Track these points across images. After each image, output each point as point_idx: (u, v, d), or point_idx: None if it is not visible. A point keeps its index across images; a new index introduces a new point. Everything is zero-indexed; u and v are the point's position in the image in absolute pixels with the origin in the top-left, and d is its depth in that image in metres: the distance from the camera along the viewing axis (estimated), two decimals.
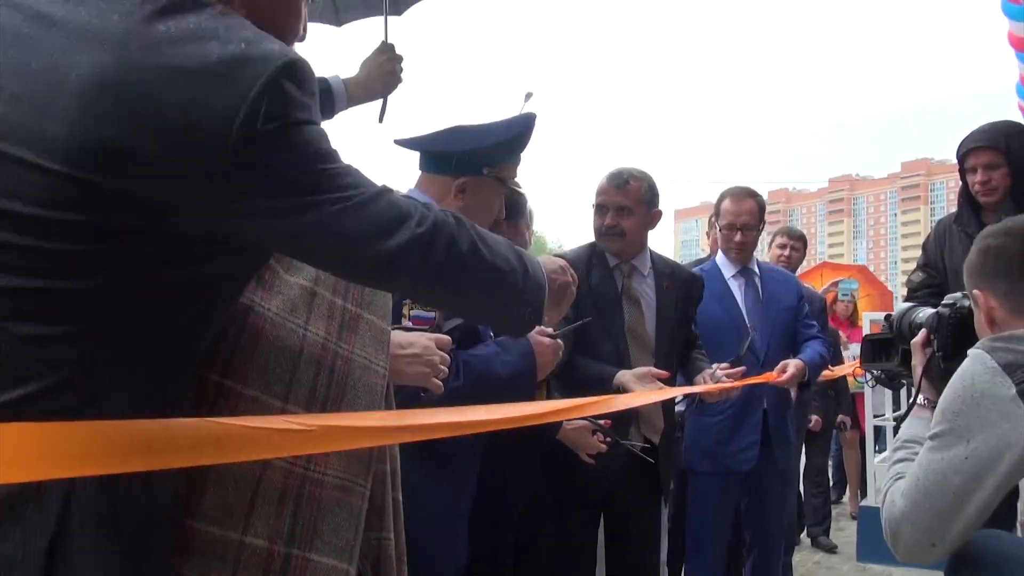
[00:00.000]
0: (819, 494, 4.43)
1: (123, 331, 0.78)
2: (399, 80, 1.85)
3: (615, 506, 2.24)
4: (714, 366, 2.30)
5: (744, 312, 2.67)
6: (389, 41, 1.87)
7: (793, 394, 2.83)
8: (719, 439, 2.58)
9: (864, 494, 4.60)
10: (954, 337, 1.41)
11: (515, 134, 1.67)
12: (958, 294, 1.46)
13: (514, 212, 2.40)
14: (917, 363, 1.45)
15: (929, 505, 1.20)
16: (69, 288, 0.74)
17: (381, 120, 1.95)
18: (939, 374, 1.40)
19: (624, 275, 2.27)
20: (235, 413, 0.91)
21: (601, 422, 1.96)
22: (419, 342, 1.18)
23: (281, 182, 0.78)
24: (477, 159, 1.63)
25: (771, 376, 2.53)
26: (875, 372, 2.13)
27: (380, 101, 1.86)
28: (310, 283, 1.00)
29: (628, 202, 2.23)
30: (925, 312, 1.55)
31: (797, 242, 3.79)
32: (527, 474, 1.96)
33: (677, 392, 2.19)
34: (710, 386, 2.23)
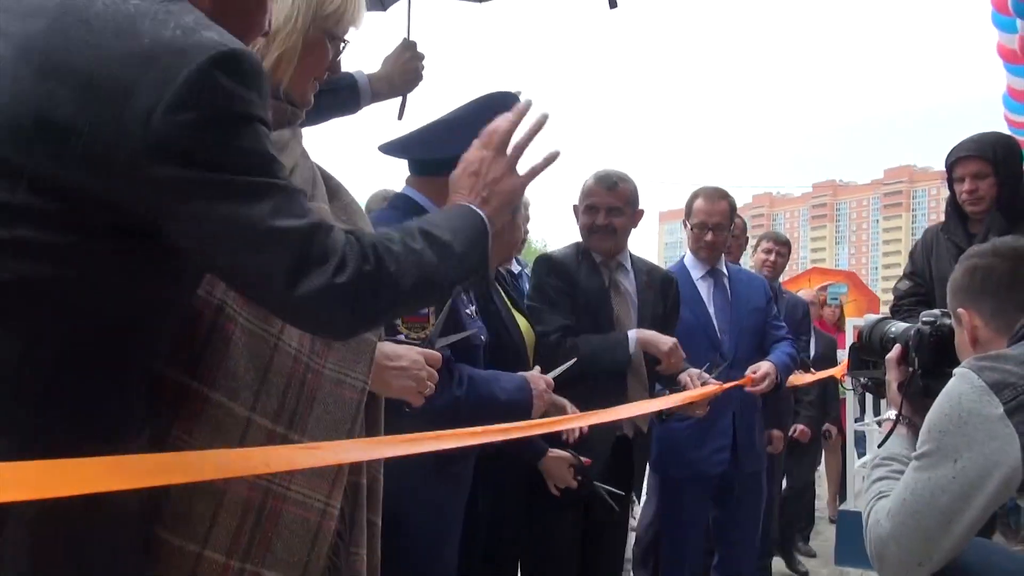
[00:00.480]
0: (804, 502, 4.42)
1: (60, 323, 0.75)
2: (420, 78, 1.85)
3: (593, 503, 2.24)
4: (691, 371, 2.30)
5: (712, 314, 2.65)
6: (412, 39, 1.87)
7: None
8: (690, 444, 2.57)
9: (843, 498, 4.61)
10: (934, 355, 1.40)
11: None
12: (937, 311, 1.46)
13: None
14: (892, 378, 1.44)
15: (916, 525, 1.18)
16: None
17: (400, 117, 1.96)
18: (918, 391, 1.40)
19: (611, 271, 2.32)
20: (199, 416, 0.90)
21: (583, 459, 1.97)
22: (408, 356, 1.14)
23: (199, 172, 0.73)
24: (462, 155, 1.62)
25: (747, 380, 2.53)
26: (862, 380, 2.14)
27: (400, 98, 1.86)
28: None
29: (618, 203, 2.30)
30: (897, 326, 1.55)
31: (782, 247, 3.85)
32: (520, 479, 1.96)
33: (662, 404, 2.19)
34: (691, 393, 2.23)
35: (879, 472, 1.34)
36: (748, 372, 2.57)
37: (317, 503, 0.97)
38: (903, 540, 1.20)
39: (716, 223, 2.65)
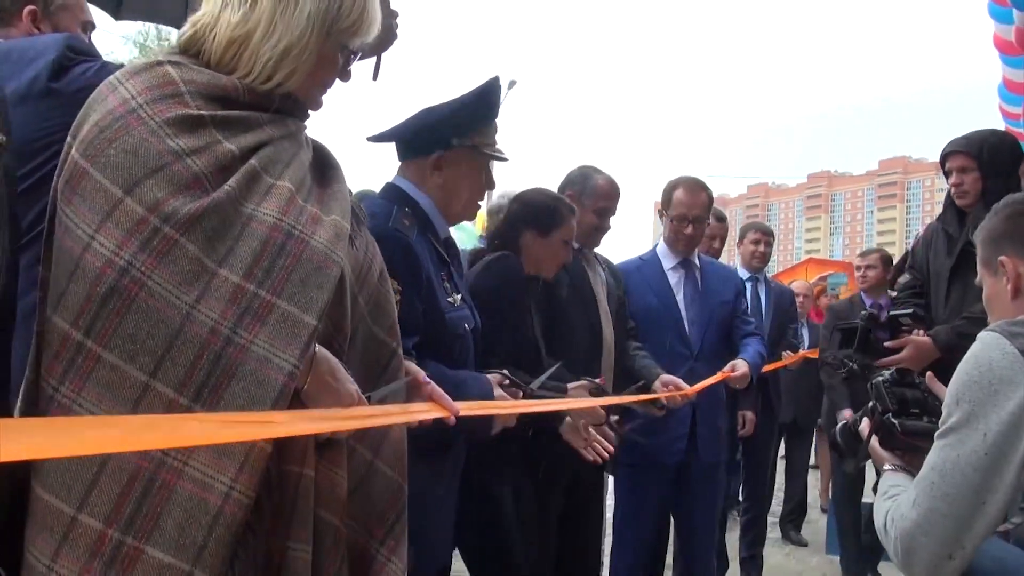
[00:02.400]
0: (797, 489, 4.43)
1: None
2: (395, 36, 1.79)
3: (577, 489, 2.24)
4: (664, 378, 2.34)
5: (681, 304, 2.63)
6: None
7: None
8: (645, 431, 2.49)
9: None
10: (893, 395, 1.39)
11: (475, 97, 1.64)
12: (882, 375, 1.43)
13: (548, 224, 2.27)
14: (873, 444, 1.40)
15: (948, 510, 1.10)
16: None
17: (375, 78, 1.90)
18: (892, 435, 1.36)
19: (585, 260, 2.39)
20: (91, 375, 0.88)
21: (614, 418, 1.99)
22: (346, 387, 1.03)
23: None
24: (444, 132, 1.62)
25: (727, 374, 2.52)
26: (847, 363, 2.17)
27: (374, 59, 1.81)
28: (214, 263, 0.92)
29: (613, 205, 2.44)
30: (855, 418, 1.51)
31: (769, 237, 3.91)
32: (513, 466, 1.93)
33: (633, 399, 2.19)
34: (671, 392, 2.29)
35: (889, 493, 1.26)
36: (726, 368, 2.55)
37: (220, 485, 0.89)
38: (934, 529, 1.11)
39: (696, 216, 2.60)
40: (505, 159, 1.78)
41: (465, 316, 1.60)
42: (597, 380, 2.07)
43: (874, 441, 1.39)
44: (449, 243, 1.69)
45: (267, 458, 0.93)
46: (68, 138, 0.96)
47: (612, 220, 2.44)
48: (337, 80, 1.15)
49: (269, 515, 0.98)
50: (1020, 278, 1.23)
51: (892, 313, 2.18)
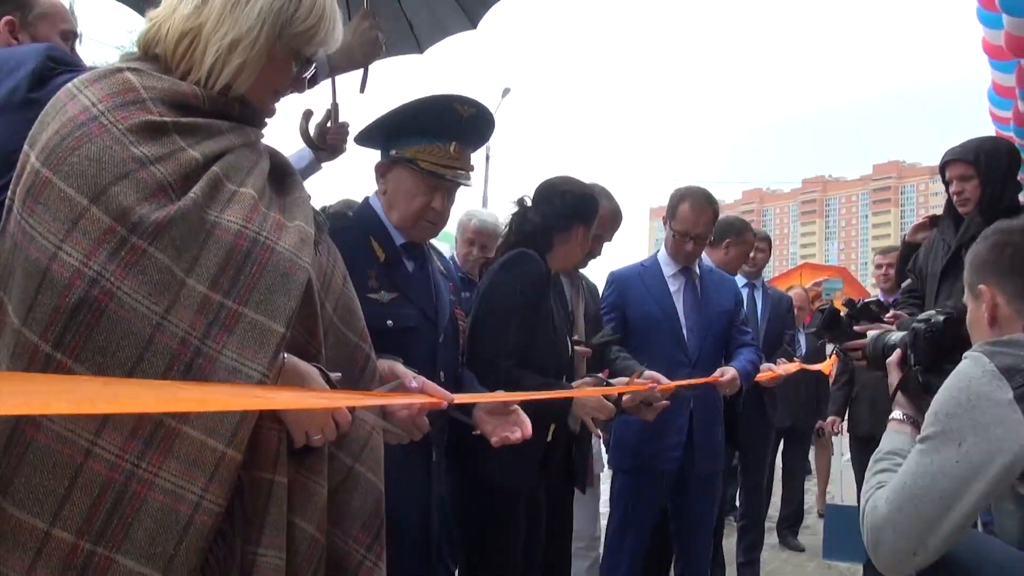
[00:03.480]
0: (794, 495, 4.39)
1: None
2: (380, 48, 1.77)
3: (534, 501, 2.18)
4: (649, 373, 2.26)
5: (680, 312, 2.61)
6: (369, 8, 1.80)
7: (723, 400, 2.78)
8: (644, 438, 2.52)
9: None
10: (930, 352, 1.38)
11: (410, 109, 1.61)
12: (932, 311, 1.44)
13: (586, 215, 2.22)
14: (892, 381, 1.43)
15: (914, 509, 1.14)
16: None
17: (363, 90, 1.90)
18: (917, 388, 1.39)
19: (569, 277, 2.39)
20: None
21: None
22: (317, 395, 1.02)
23: None
24: (377, 137, 1.63)
25: (714, 378, 2.51)
26: (836, 346, 2.30)
27: (361, 71, 1.80)
28: (182, 272, 0.91)
29: (611, 234, 2.53)
30: (897, 334, 1.57)
31: (763, 243, 3.86)
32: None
33: (622, 390, 2.13)
34: (662, 384, 2.23)
35: (881, 465, 1.30)
36: (716, 373, 2.53)
37: (190, 495, 0.89)
38: (900, 526, 1.16)
39: (699, 233, 2.58)
40: (454, 181, 1.67)
41: (393, 312, 1.57)
42: (600, 375, 2.07)
43: (893, 379, 1.43)
44: (411, 250, 1.68)
45: (237, 467, 0.92)
46: (25, 147, 0.94)
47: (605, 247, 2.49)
48: (293, 92, 1.14)
49: (241, 522, 0.97)
50: (996, 308, 1.26)
51: (865, 301, 2.22)
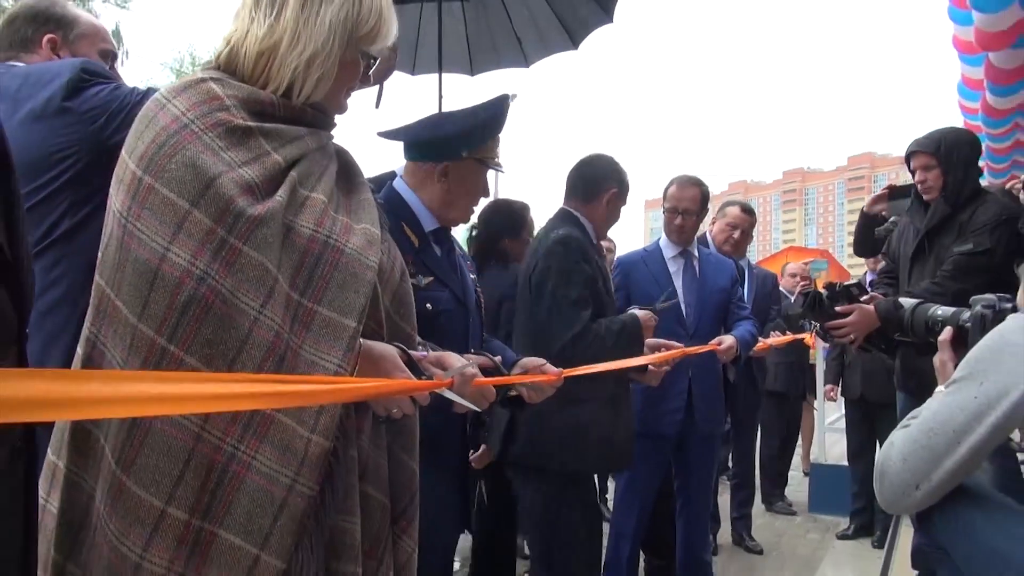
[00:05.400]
0: (781, 458, 4.46)
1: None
2: (392, 69, 1.85)
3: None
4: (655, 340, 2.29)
5: (680, 290, 2.72)
6: None
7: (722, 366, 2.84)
8: (646, 404, 2.60)
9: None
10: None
11: (491, 116, 1.67)
12: (992, 296, 1.40)
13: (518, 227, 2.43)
14: (945, 359, 1.36)
15: (927, 441, 1.13)
16: None
17: (378, 106, 1.96)
18: None
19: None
20: None
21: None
22: (392, 360, 1.05)
23: None
24: (457, 144, 1.64)
25: (713, 345, 2.62)
26: (813, 324, 2.36)
27: (376, 88, 1.87)
28: (274, 267, 0.93)
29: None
30: (944, 309, 1.53)
31: (745, 215, 3.59)
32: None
33: (635, 362, 2.13)
34: (662, 355, 2.25)
35: (911, 416, 1.24)
36: (713, 342, 2.64)
37: (284, 478, 0.91)
38: (910, 456, 1.14)
39: (685, 208, 2.70)
40: (503, 171, 1.79)
41: (430, 296, 1.58)
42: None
43: (945, 358, 1.36)
44: (439, 235, 1.69)
45: (326, 453, 0.94)
46: (123, 154, 0.97)
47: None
48: (362, 87, 1.16)
49: (329, 500, 1.01)
50: None
51: (846, 284, 2.31)
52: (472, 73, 3.50)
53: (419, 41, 2.93)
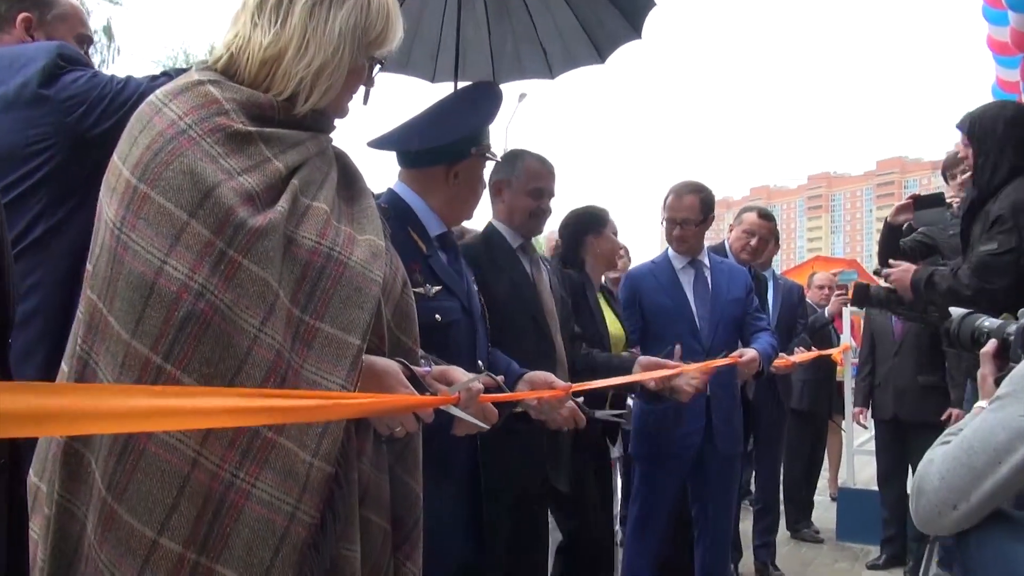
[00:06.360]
0: (806, 482, 4.37)
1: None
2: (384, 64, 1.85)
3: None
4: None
5: (692, 302, 2.68)
6: None
7: (741, 383, 2.80)
8: (663, 425, 2.58)
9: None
10: None
11: (494, 108, 1.70)
12: None
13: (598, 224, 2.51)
14: (987, 372, 1.35)
15: (967, 459, 1.11)
16: None
17: (365, 102, 1.96)
18: None
19: (528, 252, 2.14)
20: None
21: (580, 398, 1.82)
22: (394, 375, 1.04)
23: None
24: (467, 143, 1.64)
25: (734, 358, 2.56)
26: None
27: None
28: (275, 282, 0.91)
29: (550, 185, 2.18)
30: (991, 321, 1.52)
31: (764, 223, 3.49)
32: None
33: (642, 378, 2.12)
34: (687, 366, 2.21)
35: (951, 432, 1.23)
36: (735, 354, 2.57)
37: (285, 506, 0.89)
38: (948, 474, 1.11)
39: (683, 218, 2.66)
40: (498, 159, 1.82)
41: (439, 307, 1.54)
42: (634, 351, 2.15)
43: (987, 372, 1.35)
44: (444, 240, 1.66)
45: (328, 479, 0.92)
46: (115, 159, 0.95)
47: (552, 203, 2.15)
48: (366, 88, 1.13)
49: (331, 527, 0.99)
50: None
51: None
52: (496, 83, 3.56)
53: (440, 47, 2.92)
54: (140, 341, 0.86)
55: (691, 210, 2.66)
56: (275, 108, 1.00)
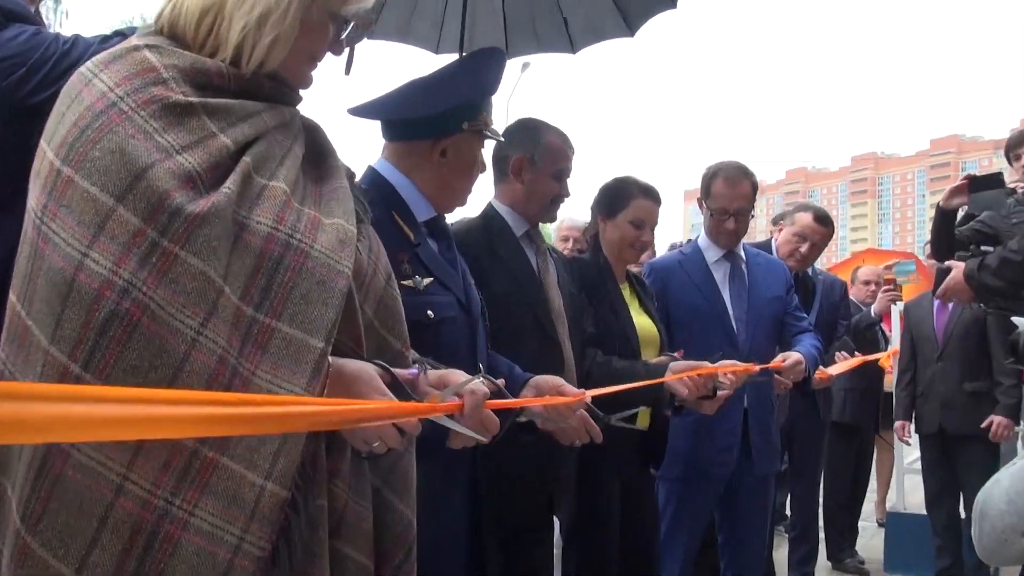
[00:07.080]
0: (850, 505, 4.12)
1: None
2: (367, 30, 1.67)
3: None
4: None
5: (727, 301, 2.47)
6: None
7: (777, 392, 2.67)
8: (695, 442, 2.38)
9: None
10: None
11: (491, 78, 1.57)
12: None
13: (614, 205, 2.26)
14: None
15: None
16: None
17: (348, 72, 1.80)
18: None
19: (534, 241, 1.97)
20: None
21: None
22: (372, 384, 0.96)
23: None
24: (460, 115, 1.51)
25: (777, 364, 2.40)
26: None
27: (346, 51, 1.70)
28: (219, 276, 0.84)
29: (570, 165, 2.02)
30: None
31: (819, 227, 3.21)
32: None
33: (666, 380, 1.99)
34: (722, 366, 2.08)
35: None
36: (778, 359, 2.42)
37: (229, 536, 0.83)
38: (1017, 498, 1.10)
39: (738, 208, 2.43)
40: (501, 139, 1.70)
41: (431, 302, 1.43)
42: (676, 354, 2.02)
43: None
44: (434, 226, 1.55)
45: (282, 504, 0.86)
46: (41, 142, 0.89)
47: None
48: (329, 54, 1.07)
49: (284, 561, 0.92)
50: None
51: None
52: (507, 57, 3.38)
53: (446, 14, 2.74)
54: (58, 347, 0.81)
55: (747, 199, 2.45)
56: (225, 76, 0.94)
